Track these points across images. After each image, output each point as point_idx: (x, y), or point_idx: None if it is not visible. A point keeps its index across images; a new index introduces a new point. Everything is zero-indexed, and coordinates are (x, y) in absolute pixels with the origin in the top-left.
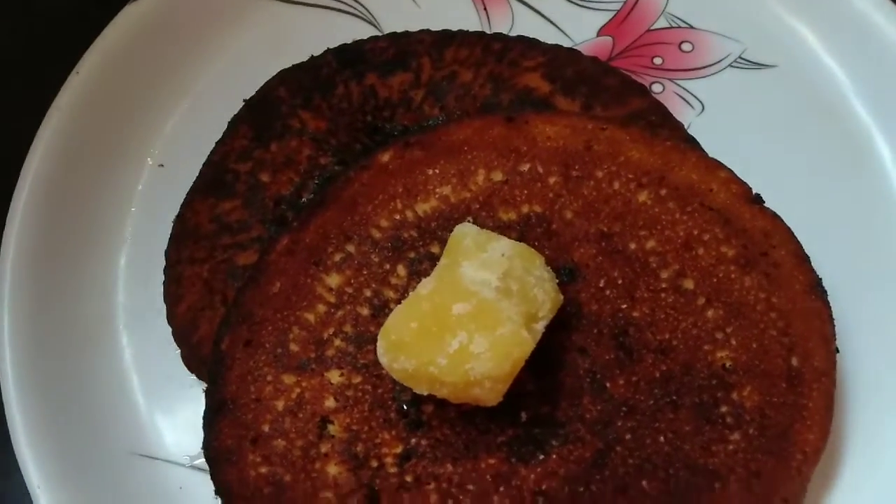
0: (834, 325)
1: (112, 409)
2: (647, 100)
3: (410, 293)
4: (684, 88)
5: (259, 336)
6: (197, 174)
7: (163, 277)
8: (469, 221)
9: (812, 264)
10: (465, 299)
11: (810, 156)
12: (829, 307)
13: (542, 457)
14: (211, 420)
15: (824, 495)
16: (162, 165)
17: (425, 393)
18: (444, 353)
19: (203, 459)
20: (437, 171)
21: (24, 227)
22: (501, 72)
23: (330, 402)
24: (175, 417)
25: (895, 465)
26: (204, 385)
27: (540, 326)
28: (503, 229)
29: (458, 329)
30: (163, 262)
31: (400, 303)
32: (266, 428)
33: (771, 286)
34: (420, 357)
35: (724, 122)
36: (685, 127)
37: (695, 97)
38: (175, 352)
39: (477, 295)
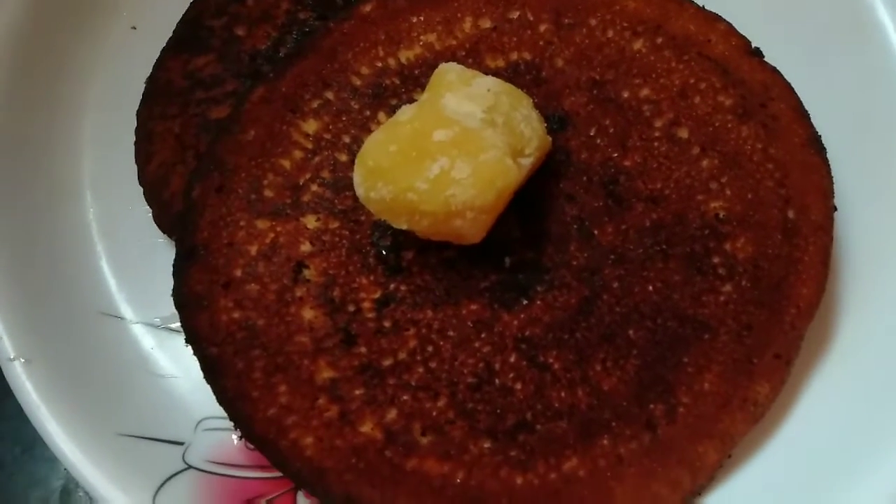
0: (832, 182)
1: (81, 270)
2: None
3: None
4: None
5: (232, 182)
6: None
7: (132, 141)
8: None
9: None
10: (447, 126)
11: (811, 22)
12: (828, 164)
13: (525, 303)
14: (181, 266)
15: (819, 355)
16: (134, 28)
17: (404, 227)
18: (424, 178)
19: (177, 323)
20: (421, 18)
21: None
22: None
23: (306, 247)
24: (145, 280)
25: (891, 326)
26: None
27: (526, 162)
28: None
29: (439, 154)
30: (132, 126)
31: None
32: (238, 272)
33: (769, 137)
34: (398, 182)
35: None
36: None
37: None
38: (145, 214)
39: (460, 123)
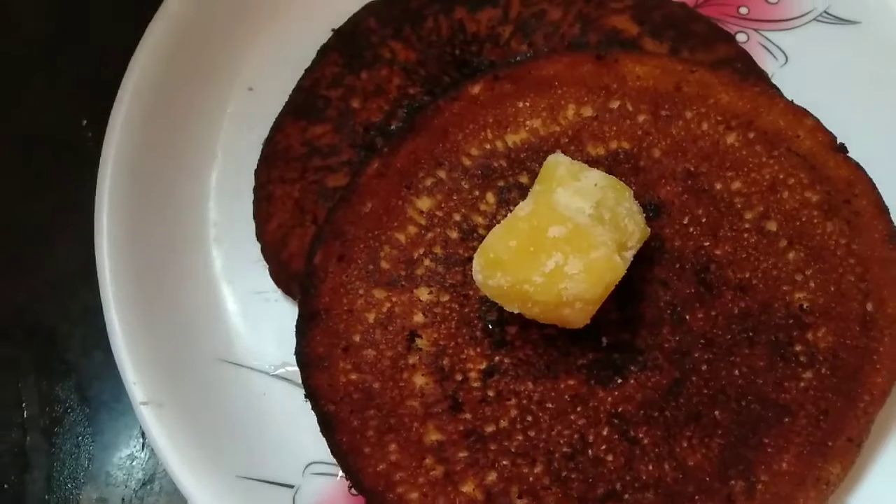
0: None
1: (202, 318)
2: (733, 47)
3: (507, 216)
4: (769, 39)
5: (351, 252)
6: (283, 98)
7: (251, 196)
8: None
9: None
10: (561, 223)
11: (890, 113)
12: None
13: (619, 381)
14: (304, 328)
15: (884, 436)
16: (251, 89)
17: (515, 311)
18: (540, 273)
19: (285, 370)
20: (527, 104)
21: (122, 144)
22: (590, 12)
23: (419, 318)
24: (260, 330)
25: None
26: (290, 300)
27: (629, 255)
28: (591, 163)
29: (554, 250)
30: (251, 182)
31: (488, 229)
32: (357, 338)
33: (852, 233)
34: (516, 275)
35: (807, 75)
36: (769, 77)
37: (779, 49)
38: (262, 268)
39: (572, 220)
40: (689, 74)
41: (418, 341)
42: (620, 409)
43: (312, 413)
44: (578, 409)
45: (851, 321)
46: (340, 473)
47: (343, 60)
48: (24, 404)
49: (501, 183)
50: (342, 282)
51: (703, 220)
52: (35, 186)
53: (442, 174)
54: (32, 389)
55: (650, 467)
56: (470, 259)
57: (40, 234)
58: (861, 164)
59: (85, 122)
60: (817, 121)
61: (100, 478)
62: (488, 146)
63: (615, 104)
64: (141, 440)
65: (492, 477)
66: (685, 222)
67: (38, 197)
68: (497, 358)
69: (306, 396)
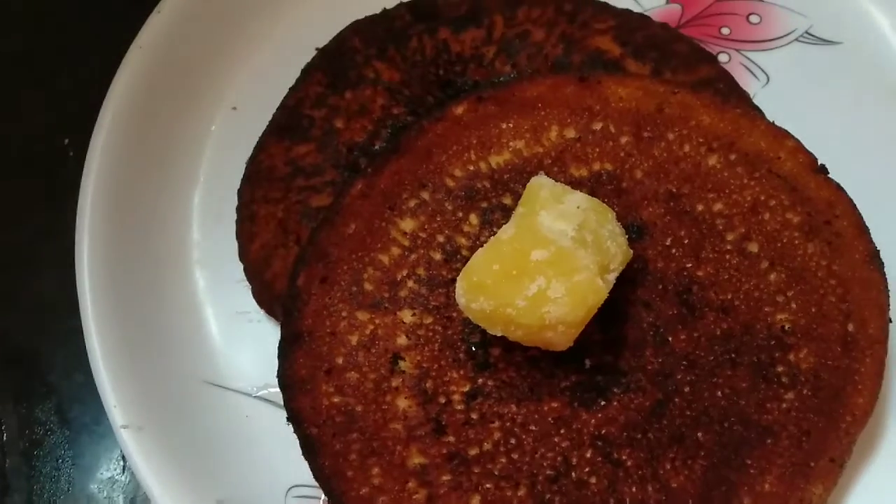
0: (889, 296)
1: (185, 340)
2: (715, 68)
3: (490, 239)
4: (750, 60)
5: (335, 274)
6: (267, 118)
7: (234, 216)
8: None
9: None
10: (544, 246)
11: (871, 133)
12: (886, 278)
13: (603, 403)
14: (286, 350)
15: (867, 458)
16: (235, 108)
17: (499, 334)
18: (523, 296)
19: (268, 391)
20: (510, 125)
21: (103, 164)
22: (573, 33)
23: (402, 340)
24: (243, 351)
25: None
26: (273, 321)
27: (611, 278)
28: (574, 185)
29: (537, 274)
30: (234, 202)
31: (472, 250)
32: (340, 360)
33: (832, 254)
34: (499, 298)
35: (789, 95)
36: (751, 97)
37: (760, 69)
38: (244, 288)
39: (555, 243)
40: (671, 96)
41: (401, 364)
42: (604, 431)
43: (295, 436)
44: (562, 431)
45: (833, 342)
46: (323, 497)
47: (327, 80)
48: (3, 426)
49: (485, 204)
50: (325, 304)
51: (686, 242)
52: (16, 207)
53: (425, 195)
54: (12, 412)
55: (633, 489)
56: (453, 281)
57: (22, 254)
58: (842, 185)
59: (66, 140)
60: (798, 142)
61: (80, 501)
62: (472, 167)
63: (598, 126)
64: (122, 463)
65: (475, 500)
66: (667, 244)
67: (19, 217)
68: (480, 380)
69: (289, 419)
